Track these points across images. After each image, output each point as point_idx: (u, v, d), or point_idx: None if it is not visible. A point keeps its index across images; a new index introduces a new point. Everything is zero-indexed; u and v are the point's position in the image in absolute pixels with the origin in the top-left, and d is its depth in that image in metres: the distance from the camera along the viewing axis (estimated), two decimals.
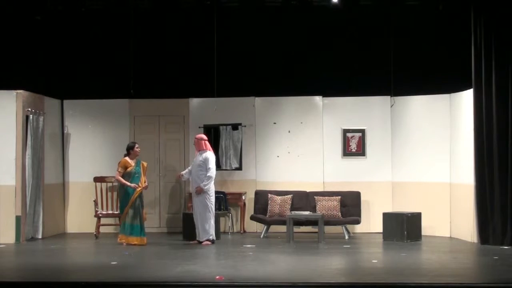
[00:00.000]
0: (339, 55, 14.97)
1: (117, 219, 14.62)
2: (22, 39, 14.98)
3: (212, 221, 13.19)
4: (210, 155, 13.29)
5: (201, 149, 13.31)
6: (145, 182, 13.33)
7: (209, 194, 13.17)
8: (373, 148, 14.97)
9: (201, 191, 13.10)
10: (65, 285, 9.59)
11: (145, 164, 13.47)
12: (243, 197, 14.94)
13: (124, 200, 13.21)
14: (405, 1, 14.64)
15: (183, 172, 13.54)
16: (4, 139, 13.47)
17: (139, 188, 13.14)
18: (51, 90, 14.95)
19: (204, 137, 13.55)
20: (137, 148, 13.38)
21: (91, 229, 14.57)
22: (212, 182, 13.21)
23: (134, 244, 13.01)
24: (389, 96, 14.92)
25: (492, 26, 12.81)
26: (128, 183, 13.12)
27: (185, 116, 15.34)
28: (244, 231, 14.93)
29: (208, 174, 13.10)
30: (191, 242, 13.29)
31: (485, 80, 12.86)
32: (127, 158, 13.32)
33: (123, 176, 13.18)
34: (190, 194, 14.09)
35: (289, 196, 14.52)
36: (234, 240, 14.07)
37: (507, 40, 12.70)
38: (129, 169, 13.21)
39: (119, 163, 13.32)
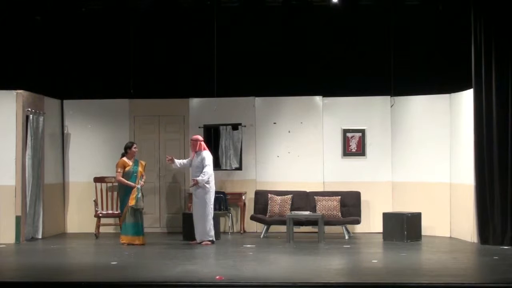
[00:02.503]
0: (339, 55, 14.97)
1: (117, 219, 14.63)
2: (23, 39, 14.98)
3: (212, 221, 13.20)
4: (206, 154, 13.29)
5: (197, 150, 13.30)
6: (142, 180, 13.31)
7: (209, 194, 13.18)
8: (373, 148, 14.97)
9: (196, 183, 13.04)
10: (65, 285, 9.59)
11: (143, 163, 13.47)
12: (243, 197, 14.94)
13: (124, 200, 13.20)
14: (405, 1, 14.63)
15: (176, 161, 13.47)
16: (4, 139, 13.47)
17: (135, 186, 13.12)
18: (51, 90, 14.95)
19: (200, 137, 13.53)
20: (134, 148, 13.38)
21: (91, 229, 14.58)
22: (212, 178, 13.18)
23: (136, 244, 12.99)
24: (389, 96, 14.92)
25: (492, 26, 12.81)
26: (130, 183, 13.12)
27: (185, 116, 15.34)
28: (244, 231, 14.94)
29: (205, 170, 13.06)
30: (191, 242, 13.29)
31: (485, 80, 12.86)
32: (124, 158, 13.32)
33: (122, 176, 13.19)
34: (190, 194, 14.10)
35: (289, 196, 14.52)
36: (234, 240, 14.07)
37: (507, 40, 12.70)
38: (127, 169, 13.22)
39: (117, 164, 13.32)
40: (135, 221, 13.12)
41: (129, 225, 13.12)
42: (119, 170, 13.21)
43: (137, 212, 13.14)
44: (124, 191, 13.22)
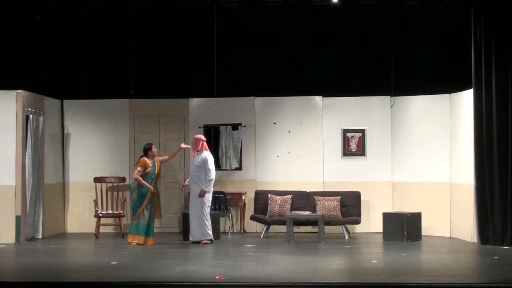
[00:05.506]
0: (339, 55, 14.97)
1: (117, 219, 14.64)
2: (22, 39, 14.99)
3: (210, 221, 13.21)
4: (208, 156, 13.30)
5: (199, 150, 13.32)
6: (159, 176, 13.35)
7: (208, 194, 13.18)
8: (373, 148, 14.97)
9: (204, 194, 13.12)
10: (65, 285, 9.59)
11: (158, 159, 13.38)
12: (243, 197, 14.94)
13: (138, 200, 13.13)
14: (405, 1, 14.64)
15: (187, 182, 13.52)
16: (4, 139, 13.47)
17: (152, 190, 13.08)
18: (51, 90, 14.95)
19: (203, 137, 13.56)
20: (154, 148, 13.33)
21: (91, 229, 14.58)
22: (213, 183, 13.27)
23: (148, 245, 12.99)
24: (389, 96, 14.92)
25: (492, 26, 12.81)
26: (146, 184, 13.06)
27: (185, 116, 15.34)
28: (244, 231, 14.93)
29: (209, 178, 13.13)
30: (185, 242, 13.28)
31: (485, 80, 12.86)
32: (145, 159, 13.23)
33: (141, 176, 13.08)
34: (190, 194, 14.09)
35: (289, 196, 14.52)
36: (234, 240, 14.07)
37: (507, 40, 12.70)
38: (148, 170, 13.13)
39: (138, 162, 13.22)
40: (147, 222, 13.10)
41: (142, 225, 13.09)
42: (139, 169, 13.08)
43: (151, 213, 13.12)
44: (139, 192, 13.10)
